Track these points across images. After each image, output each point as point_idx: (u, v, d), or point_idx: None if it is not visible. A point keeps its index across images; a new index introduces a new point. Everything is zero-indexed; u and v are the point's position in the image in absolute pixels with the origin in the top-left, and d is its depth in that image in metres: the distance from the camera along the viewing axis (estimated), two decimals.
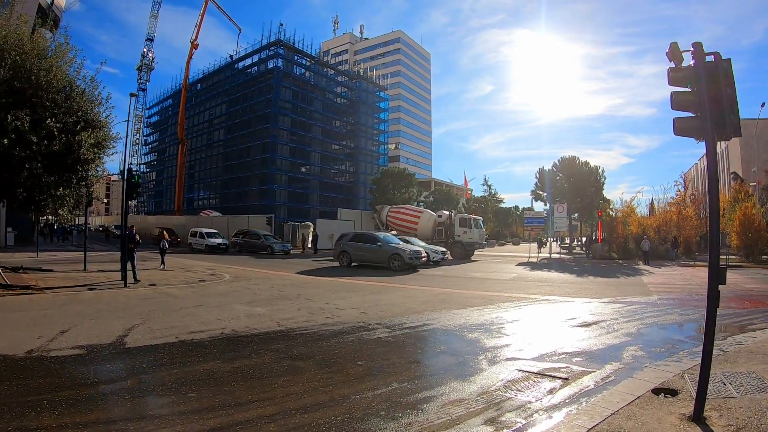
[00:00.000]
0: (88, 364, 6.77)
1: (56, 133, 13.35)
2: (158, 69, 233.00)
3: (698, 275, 23.72)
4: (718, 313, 4.88)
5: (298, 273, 22.12)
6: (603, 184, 46.81)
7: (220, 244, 37.61)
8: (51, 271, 19.45)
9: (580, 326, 10.13)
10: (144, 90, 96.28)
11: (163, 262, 22.33)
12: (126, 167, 16.21)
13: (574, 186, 44.91)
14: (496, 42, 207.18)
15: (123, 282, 15.83)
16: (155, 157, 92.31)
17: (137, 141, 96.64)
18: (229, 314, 10.93)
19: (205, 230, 39.84)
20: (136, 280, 16.34)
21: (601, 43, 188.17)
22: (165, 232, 25.09)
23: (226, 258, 31.63)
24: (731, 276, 23.28)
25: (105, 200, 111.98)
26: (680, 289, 17.75)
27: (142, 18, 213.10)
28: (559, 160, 47.22)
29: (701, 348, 4.96)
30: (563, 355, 7.55)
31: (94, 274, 18.77)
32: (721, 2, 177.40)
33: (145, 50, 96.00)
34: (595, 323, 10.45)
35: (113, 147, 16.21)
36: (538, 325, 10.55)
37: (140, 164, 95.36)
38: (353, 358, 7.27)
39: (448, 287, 17.40)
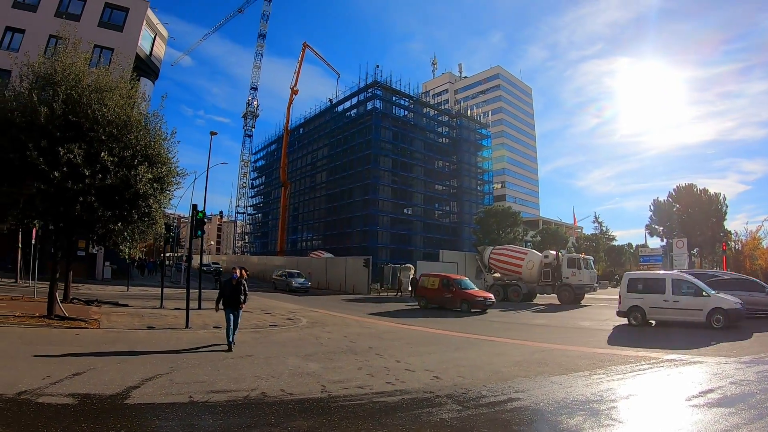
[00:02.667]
0: (61, 419, 5.79)
1: (110, 167, 12.80)
2: (263, 116, 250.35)
3: None
4: None
5: (382, 318, 20.47)
6: (725, 213, 41.05)
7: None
8: (126, 306, 19.34)
9: (720, 405, 7.14)
10: (250, 136, 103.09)
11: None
12: (191, 204, 15.32)
13: (693, 217, 39.58)
14: (597, 73, 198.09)
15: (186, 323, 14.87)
16: (261, 200, 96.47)
17: (244, 184, 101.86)
18: (273, 370, 9.22)
19: (688, 278, 18.18)
20: (230, 346, 11.31)
21: (706, 63, 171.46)
22: (244, 271, 24.04)
23: None
24: None
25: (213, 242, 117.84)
26: None
27: (247, 70, 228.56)
28: (674, 190, 42.16)
29: None
30: None
31: (165, 312, 18.33)
32: None
33: (249, 98, 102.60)
34: (740, 399, 7.46)
35: (178, 183, 15.61)
36: (663, 404, 7.56)
37: (247, 206, 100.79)
38: None
39: (550, 341, 14.53)
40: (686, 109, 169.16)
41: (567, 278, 30.98)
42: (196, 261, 32.37)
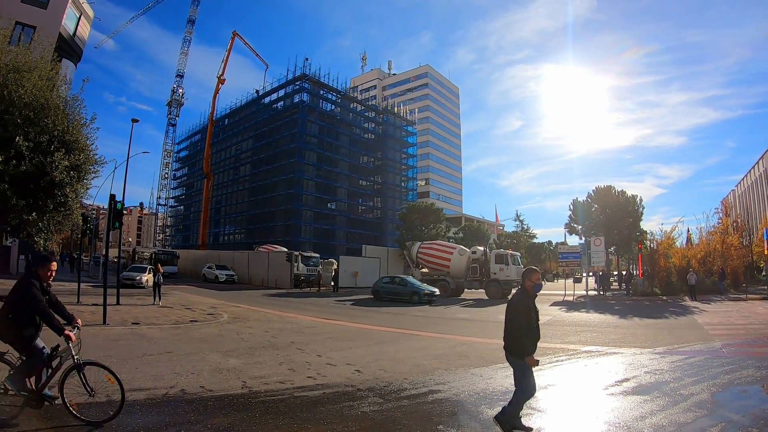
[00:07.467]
0: None
1: (25, 153, 12.01)
2: (189, 105, 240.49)
3: (756, 311, 21.11)
4: None
5: (303, 313, 20.40)
6: (641, 214, 43.94)
7: None
8: None
9: (636, 393, 7.60)
10: (173, 125, 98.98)
11: (159, 297, 20.56)
12: (110, 194, 14.67)
13: (611, 217, 42.11)
14: (523, 77, 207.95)
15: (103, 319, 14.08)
16: (183, 192, 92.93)
17: (166, 175, 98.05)
18: (194, 367, 8.95)
19: None
20: None
21: (628, 73, 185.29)
22: (159, 265, 23.17)
23: None
24: None
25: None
26: (744, 331, 15.22)
27: (174, 57, 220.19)
28: (593, 191, 44.54)
29: None
30: None
31: (82, 308, 16.96)
32: (747, 25, 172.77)
33: (174, 86, 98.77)
34: (655, 387, 7.97)
35: (96, 171, 14.96)
36: (581, 394, 7.88)
37: (169, 198, 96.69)
38: None
39: (472, 335, 14.96)
40: (607, 115, 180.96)
41: (495, 274, 32.05)
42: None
